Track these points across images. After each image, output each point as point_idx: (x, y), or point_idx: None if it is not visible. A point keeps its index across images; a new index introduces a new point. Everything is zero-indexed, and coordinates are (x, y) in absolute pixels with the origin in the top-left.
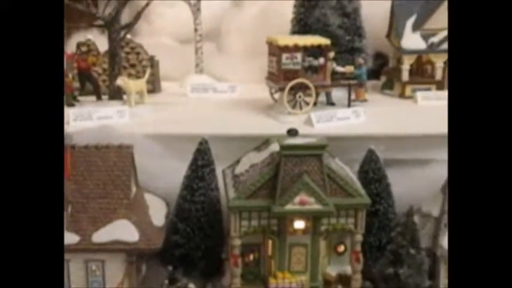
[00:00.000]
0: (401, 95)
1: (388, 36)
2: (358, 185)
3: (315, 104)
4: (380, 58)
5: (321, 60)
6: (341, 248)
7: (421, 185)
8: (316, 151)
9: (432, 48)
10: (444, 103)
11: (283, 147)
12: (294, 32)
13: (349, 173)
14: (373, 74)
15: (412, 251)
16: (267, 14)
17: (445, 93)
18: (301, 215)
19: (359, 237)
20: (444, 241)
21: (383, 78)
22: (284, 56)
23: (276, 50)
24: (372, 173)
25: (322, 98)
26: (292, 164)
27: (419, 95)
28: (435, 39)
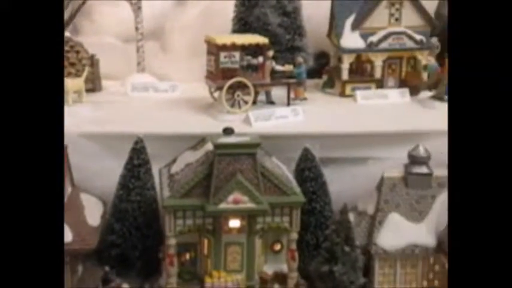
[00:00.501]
0: (342, 94)
1: (328, 35)
2: (293, 183)
3: (254, 102)
4: (323, 57)
5: (260, 59)
6: (277, 247)
7: (358, 183)
8: (249, 150)
9: (371, 47)
10: (383, 102)
11: (216, 146)
12: (234, 31)
13: (285, 171)
14: (315, 73)
15: (347, 249)
16: (210, 13)
17: (384, 92)
18: (236, 213)
19: (294, 236)
20: (379, 238)
21: (324, 77)
22: (222, 54)
23: (214, 49)
24: (308, 171)
25: (262, 97)
26: (226, 163)
27: (358, 93)
28: (374, 39)
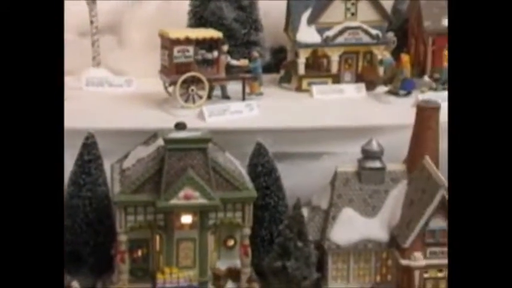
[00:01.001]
0: (298, 89)
1: (285, 30)
2: (246, 178)
3: (209, 97)
4: (281, 52)
5: (215, 53)
6: (230, 242)
7: (313, 178)
8: (200, 145)
9: (327, 42)
10: (339, 96)
11: (166, 141)
12: (190, 25)
13: (239, 166)
14: (273, 68)
15: (300, 244)
16: (167, 8)
17: (340, 87)
18: (187, 209)
19: (247, 231)
20: (332, 233)
21: (282, 72)
22: (176, 49)
23: (167, 43)
24: (261, 166)
25: (218, 91)
26: (177, 158)
27: (314, 88)
28: (330, 33)
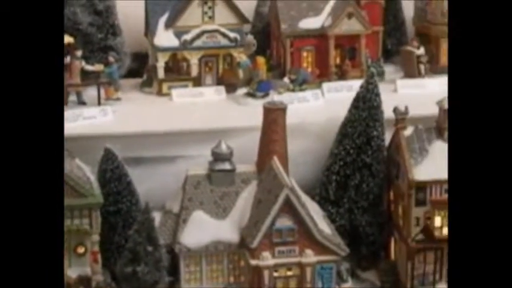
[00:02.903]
0: (159, 93)
1: (145, 34)
2: (94, 184)
3: (65, 103)
4: (144, 57)
5: (67, 58)
6: (81, 250)
7: (168, 182)
8: None
9: (185, 45)
10: (199, 100)
11: None
12: None
13: (87, 172)
14: (136, 73)
15: (150, 248)
16: None
17: (200, 90)
18: None
19: (95, 238)
20: (182, 237)
21: (144, 77)
22: None
23: None
24: (110, 172)
25: (74, 97)
26: None
27: (174, 92)
28: (188, 37)
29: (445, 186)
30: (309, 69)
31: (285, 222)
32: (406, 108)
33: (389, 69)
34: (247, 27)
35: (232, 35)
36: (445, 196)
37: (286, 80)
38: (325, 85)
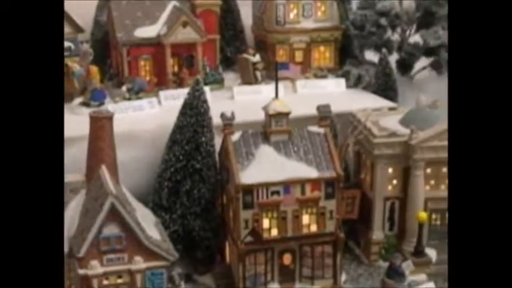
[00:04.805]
0: None
1: None
2: None
3: None
4: None
5: None
6: None
7: None
8: None
9: None
10: None
11: None
12: None
13: None
14: None
15: None
16: None
17: None
18: None
19: None
20: None
21: None
22: None
23: None
24: None
25: None
26: None
27: None
28: None
29: (272, 188)
30: (147, 78)
31: (112, 230)
32: (233, 113)
33: (229, 77)
34: (84, 36)
35: (66, 44)
36: (272, 198)
37: (124, 88)
38: (162, 93)
